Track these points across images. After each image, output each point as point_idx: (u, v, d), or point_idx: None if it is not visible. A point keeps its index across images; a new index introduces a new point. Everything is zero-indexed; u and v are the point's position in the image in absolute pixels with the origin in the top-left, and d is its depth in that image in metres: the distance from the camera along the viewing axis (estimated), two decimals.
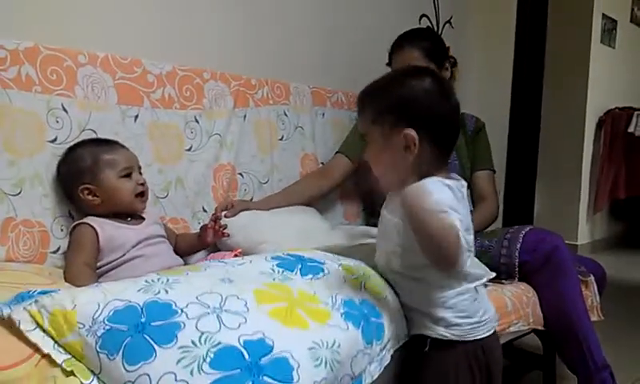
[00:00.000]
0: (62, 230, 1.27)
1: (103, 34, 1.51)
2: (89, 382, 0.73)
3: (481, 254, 1.41)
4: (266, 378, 0.71)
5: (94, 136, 1.34)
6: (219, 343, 0.73)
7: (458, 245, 0.84)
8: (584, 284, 1.58)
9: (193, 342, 0.73)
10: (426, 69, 1.05)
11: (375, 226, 1.13)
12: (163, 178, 1.50)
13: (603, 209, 4.12)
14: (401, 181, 0.97)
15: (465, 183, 0.98)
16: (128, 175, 1.26)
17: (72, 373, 0.73)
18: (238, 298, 0.83)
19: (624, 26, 4.24)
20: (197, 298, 0.81)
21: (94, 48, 1.41)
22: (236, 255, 1.30)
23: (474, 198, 1.81)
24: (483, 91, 2.80)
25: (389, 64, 1.74)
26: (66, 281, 1.12)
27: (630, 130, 3.96)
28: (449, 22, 2.70)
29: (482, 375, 0.95)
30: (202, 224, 1.45)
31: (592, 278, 1.63)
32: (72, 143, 1.29)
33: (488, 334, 0.97)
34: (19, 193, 1.22)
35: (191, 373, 0.69)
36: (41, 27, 1.39)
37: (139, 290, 0.81)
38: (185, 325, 0.75)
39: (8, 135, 1.22)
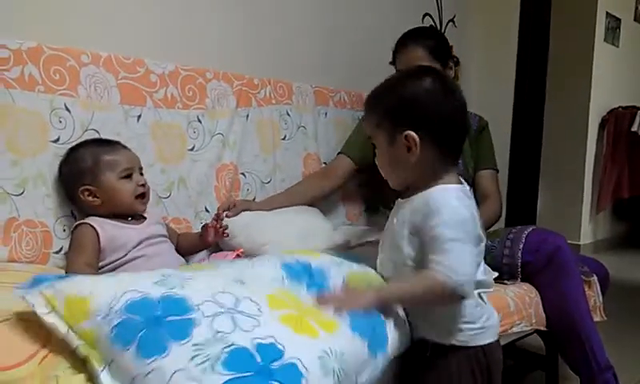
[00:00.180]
0: (64, 230, 1.27)
1: (106, 33, 1.51)
2: (100, 369, 0.72)
3: (484, 255, 1.41)
4: (276, 383, 0.70)
5: (96, 136, 1.34)
6: (233, 344, 0.73)
7: (455, 292, 0.87)
8: (587, 284, 1.57)
9: (207, 341, 0.72)
10: (429, 68, 1.05)
11: (376, 224, 1.13)
12: (166, 178, 1.50)
13: (606, 208, 4.11)
14: (407, 182, 0.97)
15: (468, 187, 0.99)
16: (128, 176, 1.25)
17: (83, 361, 0.72)
18: (252, 300, 0.83)
19: (628, 25, 4.22)
20: (212, 296, 0.80)
21: (96, 48, 1.41)
22: (238, 255, 1.30)
23: (477, 198, 1.80)
24: (486, 90, 2.79)
25: (393, 63, 1.74)
26: None
27: (634, 129, 3.95)
28: (452, 21, 2.70)
29: (483, 378, 0.95)
30: (203, 224, 1.45)
31: (595, 278, 1.63)
32: (75, 143, 1.29)
33: (491, 339, 0.97)
34: (22, 193, 1.22)
35: (204, 371, 0.69)
36: (44, 27, 1.39)
37: (155, 283, 0.80)
38: (200, 322, 0.75)
39: (11, 135, 1.22)
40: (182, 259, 1.33)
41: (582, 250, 3.67)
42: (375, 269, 1.06)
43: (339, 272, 1.03)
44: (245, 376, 0.70)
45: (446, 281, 0.86)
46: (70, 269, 1.16)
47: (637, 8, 4.37)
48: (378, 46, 1.89)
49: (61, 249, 1.26)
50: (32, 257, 1.21)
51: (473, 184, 1.81)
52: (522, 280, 1.50)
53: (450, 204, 0.91)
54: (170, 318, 0.74)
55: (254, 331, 0.76)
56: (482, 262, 0.99)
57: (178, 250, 1.36)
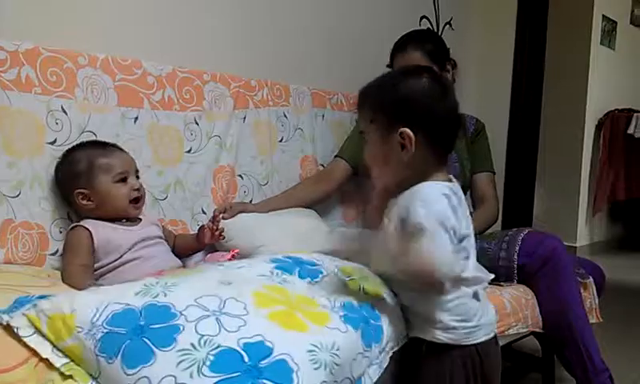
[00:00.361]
0: (60, 232, 1.27)
1: (103, 35, 1.51)
2: None
3: (480, 256, 1.41)
4: (265, 381, 0.71)
5: (93, 138, 1.34)
6: (219, 346, 0.73)
7: (430, 279, 0.87)
8: (583, 286, 1.58)
9: (192, 345, 0.73)
10: (425, 68, 1.05)
11: None
12: (163, 180, 1.50)
13: (602, 211, 4.12)
14: (397, 180, 0.97)
15: (459, 185, 0.99)
16: (123, 180, 1.25)
17: (70, 376, 0.73)
18: (237, 300, 0.83)
19: (624, 28, 4.24)
20: (196, 300, 0.81)
21: (93, 50, 1.41)
22: (233, 256, 1.30)
23: (474, 200, 1.81)
24: (483, 93, 2.80)
25: (390, 66, 1.74)
26: (63, 282, 1.12)
27: (630, 131, 3.96)
28: (449, 23, 2.70)
29: (477, 377, 0.95)
30: (200, 225, 1.45)
31: (591, 280, 1.63)
32: (71, 145, 1.29)
33: (486, 338, 0.96)
34: (18, 195, 1.22)
35: (191, 376, 0.69)
36: (41, 29, 1.38)
37: (138, 293, 0.81)
38: (184, 328, 0.75)
39: (7, 137, 1.22)
40: (178, 261, 1.33)
41: (578, 252, 3.67)
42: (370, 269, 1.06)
43: (332, 262, 1.05)
44: (233, 377, 0.70)
45: (427, 262, 0.86)
46: (65, 271, 1.16)
47: (633, 11, 4.39)
48: (376, 49, 1.89)
49: (57, 251, 1.26)
50: (28, 259, 1.21)
51: (470, 186, 1.81)
52: (519, 282, 1.50)
53: (433, 195, 0.91)
54: (154, 326, 0.75)
55: (240, 331, 0.77)
56: (473, 259, 0.98)
57: (174, 251, 1.36)
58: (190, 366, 0.70)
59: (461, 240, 0.94)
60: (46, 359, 0.74)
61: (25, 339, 0.75)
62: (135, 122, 1.45)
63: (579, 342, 1.45)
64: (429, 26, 2.59)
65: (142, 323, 0.75)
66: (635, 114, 3.98)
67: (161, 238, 1.32)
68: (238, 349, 0.74)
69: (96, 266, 1.19)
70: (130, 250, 1.22)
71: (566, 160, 3.89)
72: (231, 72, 1.72)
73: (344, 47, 2.17)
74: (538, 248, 1.49)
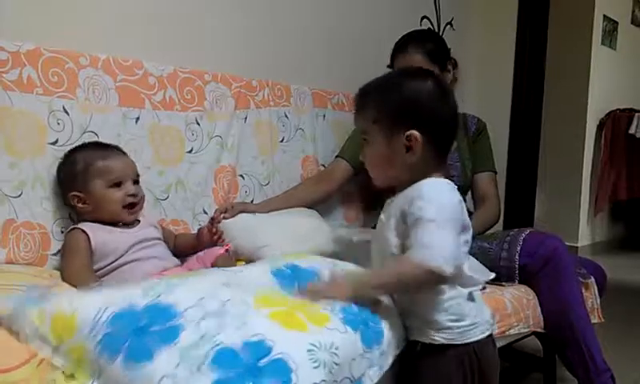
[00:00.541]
0: (62, 232, 1.27)
1: (105, 36, 1.51)
2: (89, 383, 0.73)
3: (481, 256, 1.41)
4: (265, 379, 0.71)
5: (95, 138, 1.35)
6: (219, 344, 0.74)
7: (431, 279, 0.87)
8: (584, 286, 1.58)
9: (193, 344, 0.73)
10: (426, 71, 1.05)
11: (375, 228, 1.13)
12: (164, 180, 1.50)
13: (604, 211, 4.12)
14: (398, 181, 0.97)
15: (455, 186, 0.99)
16: (118, 185, 1.24)
17: (72, 376, 0.73)
18: (238, 301, 0.84)
19: (625, 28, 4.24)
20: (197, 301, 0.81)
21: (95, 50, 1.41)
22: (226, 250, 1.31)
23: (475, 200, 1.81)
24: (484, 93, 2.80)
25: (390, 66, 1.74)
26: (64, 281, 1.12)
27: (631, 131, 3.96)
28: (450, 23, 2.70)
29: (474, 376, 0.95)
30: (199, 227, 1.45)
31: (593, 279, 1.63)
32: (73, 145, 1.29)
33: (481, 336, 0.96)
34: (20, 195, 1.22)
35: (191, 374, 0.70)
36: (42, 29, 1.39)
37: (139, 294, 0.82)
38: (185, 327, 0.76)
39: (9, 137, 1.22)
40: (177, 261, 1.33)
41: (579, 251, 3.67)
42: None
43: (331, 269, 1.04)
44: (232, 375, 0.70)
45: (422, 260, 0.86)
46: (66, 273, 1.16)
47: (634, 11, 4.39)
48: (377, 49, 1.89)
49: (59, 251, 1.26)
50: (30, 259, 1.21)
51: (471, 186, 1.81)
52: (520, 282, 1.50)
53: (437, 189, 0.92)
54: (156, 326, 0.75)
55: (240, 330, 0.77)
56: (470, 259, 0.99)
57: (175, 251, 1.36)
58: (191, 365, 0.71)
59: (465, 232, 0.94)
60: (48, 359, 0.74)
61: (26, 339, 0.75)
62: (136, 122, 1.45)
63: (581, 342, 1.45)
64: (430, 26, 2.59)
65: (143, 323, 0.76)
66: (637, 114, 3.98)
67: (159, 239, 1.32)
68: (238, 348, 0.74)
69: (94, 268, 1.19)
70: (127, 252, 1.22)
71: (567, 160, 3.89)
72: (232, 72, 1.72)
73: (345, 47, 2.18)
74: (539, 248, 1.48)
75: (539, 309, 1.48)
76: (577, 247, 3.80)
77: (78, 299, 0.80)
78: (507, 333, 1.35)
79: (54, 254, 1.25)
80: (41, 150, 1.27)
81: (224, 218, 1.46)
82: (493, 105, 2.72)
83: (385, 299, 0.99)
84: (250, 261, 1.28)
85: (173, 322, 0.76)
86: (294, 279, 1.00)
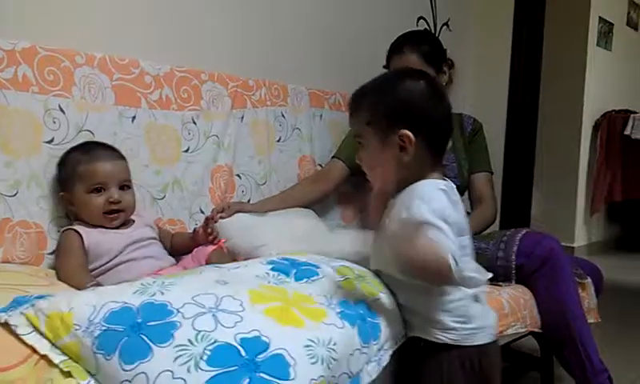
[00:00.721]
0: (58, 231, 1.26)
1: (101, 34, 1.50)
2: (86, 382, 0.73)
3: (478, 257, 1.40)
4: (262, 375, 0.71)
5: (91, 137, 1.34)
6: (215, 341, 0.74)
7: (440, 266, 0.83)
8: (581, 286, 1.58)
9: (189, 341, 0.73)
10: (419, 71, 1.06)
11: None
12: (160, 179, 1.49)
13: (600, 211, 4.13)
14: (395, 182, 0.97)
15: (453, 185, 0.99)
16: (98, 190, 1.22)
17: (69, 374, 0.73)
18: (234, 298, 0.84)
19: (620, 29, 4.26)
20: (192, 298, 0.82)
21: (91, 49, 1.41)
22: (220, 246, 1.31)
23: (472, 200, 1.81)
24: (480, 94, 2.80)
25: (386, 66, 1.74)
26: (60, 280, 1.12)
27: (626, 132, 3.97)
28: (446, 24, 2.71)
29: (476, 379, 0.95)
30: (195, 227, 1.45)
31: (589, 280, 1.63)
32: (69, 144, 1.29)
33: (487, 341, 0.96)
34: (16, 194, 1.21)
35: (188, 370, 0.70)
36: (38, 28, 1.38)
37: (135, 292, 0.82)
38: (181, 324, 0.76)
39: (5, 136, 1.21)
40: (173, 260, 1.32)
41: (575, 252, 3.69)
42: (368, 268, 1.06)
43: (329, 264, 1.05)
44: (230, 371, 0.70)
45: (436, 251, 0.84)
46: (61, 273, 1.15)
47: (629, 13, 4.41)
48: (373, 49, 1.89)
49: (55, 250, 1.25)
50: (26, 258, 1.21)
51: (467, 186, 1.81)
52: (517, 282, 1.50)
53: (433, 190, 0.92)
54: (151, 324, 0.75)
55: (236, 327, 0.77)
56: (473, 260, 0.99)
57: (172, 250, 1.36)
58: (187, 361, 0.71)
59: (461, 236, 0.94)
60: (45, 357, 0.74)
61: (23, 337, 0.75)
62: (133, 121, 1.45)
63: (577, 342, 1.45)
64: (426, 26, 2.59)
65: (139, 320, 0.76)
66: (632, 115, 4.00)
67: (155, 239, 1.32)
68: (234, 344, 0.74)
69: (89, 268, 1.18)
70: (121, 252, 1.21)
71: (563, 161, 3.91)
72: (229, 72, 1.72)
73: (342, 47, 2.18)
74: (535, 248, 1.49)
75: (536, 309, 1.48)
76: (573, 247, 3.81)
77: (74, 297, 0.80)
78: (504, 333, 1.35)
79: (50, 253, 1.25)
80: (36, 149, 1.26)
81: (220, 217, 1.46)
82: (489, 105, 2.72)
83: (382, 294, 0.99)
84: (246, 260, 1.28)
85: (168, 318, 0.77)
86: (291, 268, 1.00)
